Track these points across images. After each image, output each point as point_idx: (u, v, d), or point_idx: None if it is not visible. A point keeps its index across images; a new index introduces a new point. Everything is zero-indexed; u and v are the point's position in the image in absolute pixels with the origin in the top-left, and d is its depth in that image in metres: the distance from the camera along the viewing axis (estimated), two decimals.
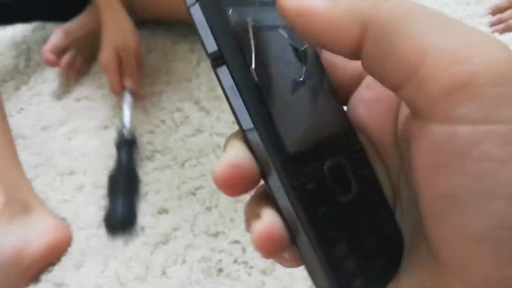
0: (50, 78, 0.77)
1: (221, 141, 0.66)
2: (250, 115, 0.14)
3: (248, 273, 0.53)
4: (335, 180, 0.15)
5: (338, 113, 0.16)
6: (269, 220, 0.14)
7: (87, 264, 0.53)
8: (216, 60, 0.15)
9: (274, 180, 0.14)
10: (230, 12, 0.14)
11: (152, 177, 0.63)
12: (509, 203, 0.11)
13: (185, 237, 0.56)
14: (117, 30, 0.70)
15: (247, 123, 0.14)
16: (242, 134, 0.15)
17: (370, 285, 0.15)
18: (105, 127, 0.70)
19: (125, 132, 0.63)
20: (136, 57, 0.71)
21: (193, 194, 0.61)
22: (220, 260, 0.54)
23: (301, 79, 0.16)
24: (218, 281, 0.52)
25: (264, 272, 0.53)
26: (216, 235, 0.56)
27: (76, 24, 0.78)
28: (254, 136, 0.14)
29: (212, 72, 0.15)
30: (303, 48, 0.16)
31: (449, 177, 0.12)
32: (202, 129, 0.69)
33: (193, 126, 0.69)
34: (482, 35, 0.12)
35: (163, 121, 0.70)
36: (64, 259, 0.54)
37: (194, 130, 0.69)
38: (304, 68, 0.16)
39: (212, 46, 0.14)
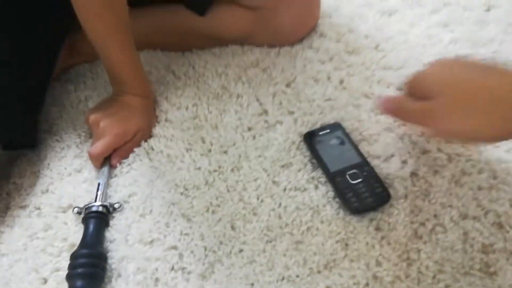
0: None
1: (154, 143, 0.63)
2: (320, 163, 0.57)
3: (186, 279, 0.50)
4: (350, 177, 0.55)
5: (355, 155, 0.57)
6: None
7: None
8: (312, 153, 0.59)
9: (328, 178, 0.56)
10: (312, 139, 0.60)
11: (81, 189, 0.59)
12: None
13: (119, 249, 0.53)
14: (146, 117, 0.63)
15: (321, 165, 0.57)
16: (322, 168, 0.57)
17: (363, 207, 0.53)
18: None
19: (96, 205, 0.55)
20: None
21: (126, 201, 0.57)
22: (156, 269, 0.51)
23: (341, 148, 0.59)
24: None
25: (203, 276, 0.50)
26: (151, 242, 0.53)
27: None
28: (323, 168, 0.57)
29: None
30: (340, 142, 0.59)
31: None
32: None
33: None
34: None
35: None
36: None
37: None
38: (342, 146, 0.59)
39: (310, 151, 0.59)
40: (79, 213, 0.56)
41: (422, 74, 0.48)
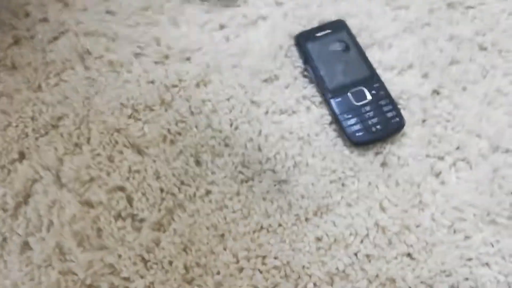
0: None
1: (90, 45, 0.47)
2: (315, 77, 0.45)
3: (137, 229, 0.39)
4: (353, 96, 0.43)
5: (362, 66, 0.45)
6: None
7: None
8: (305, 63, 0.46)
9: (325, 97, 0.44)
10: (306, 42, 0.47)
11: None
12: None
13: (49, 191, 0.41)
14: None
15: (316, 80, 0.45)
16: (317, 84, 0.45)
17: (367, 137, 0.42)
18: None
19: None
20: None
21: (55, 126, 0.43)
22: (98, 217, 0.40)
23: (340, 58, 0.45)
24: (98, 244, 0.39)
25: (159, 225, 0.39)
26: (90, 181, 0.41)
27: None
28: (318, 84, 0.45)
29: None
30: (344, 47, 0.46)
31: None
32: (63, 29, 0.48)
33: (51, 25, 0.48)
34: None
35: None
36: None
37: (51, 30, 0.48)
38: (346, 53, 0.46)
39: (303, 59, 0.47)
40: None
41: None
